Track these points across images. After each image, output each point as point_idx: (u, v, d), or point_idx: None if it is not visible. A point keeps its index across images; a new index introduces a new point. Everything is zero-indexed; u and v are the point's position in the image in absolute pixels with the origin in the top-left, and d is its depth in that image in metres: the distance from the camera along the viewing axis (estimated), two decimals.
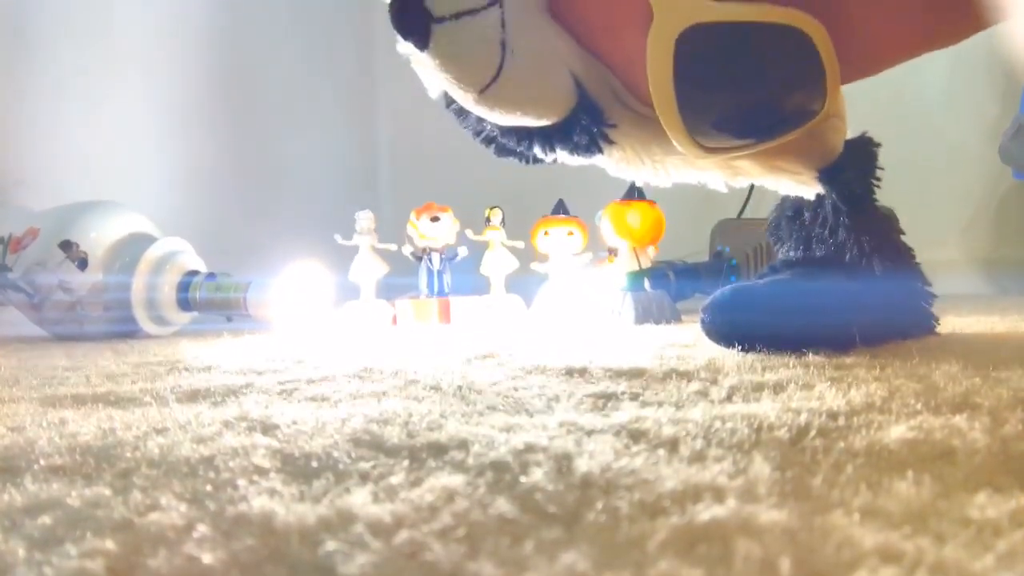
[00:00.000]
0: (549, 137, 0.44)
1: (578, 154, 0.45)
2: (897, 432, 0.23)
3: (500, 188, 1.09)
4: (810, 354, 0.42)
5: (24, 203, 1.05)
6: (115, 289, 0.89)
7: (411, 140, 1.71)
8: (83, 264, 0.89)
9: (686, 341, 0.55)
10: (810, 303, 0.46)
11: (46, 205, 0.97)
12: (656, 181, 0.47)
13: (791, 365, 0.39)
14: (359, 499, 0.19)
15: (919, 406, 0.27)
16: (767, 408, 0.28)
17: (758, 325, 0.46)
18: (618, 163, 0.46)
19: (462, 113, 0.45)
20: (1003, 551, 0.14)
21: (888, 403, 0.28)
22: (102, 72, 1.36)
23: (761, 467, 0.20)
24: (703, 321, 0.47)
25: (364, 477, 0.21)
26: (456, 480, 0.20)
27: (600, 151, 0.45)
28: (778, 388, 0.32)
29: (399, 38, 0.40)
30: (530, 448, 0.23)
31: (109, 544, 0.16)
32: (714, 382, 0.34)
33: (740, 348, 0.46)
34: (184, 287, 0.93)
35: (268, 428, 0.28)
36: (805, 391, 0.31)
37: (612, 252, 0.91)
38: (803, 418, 0.26)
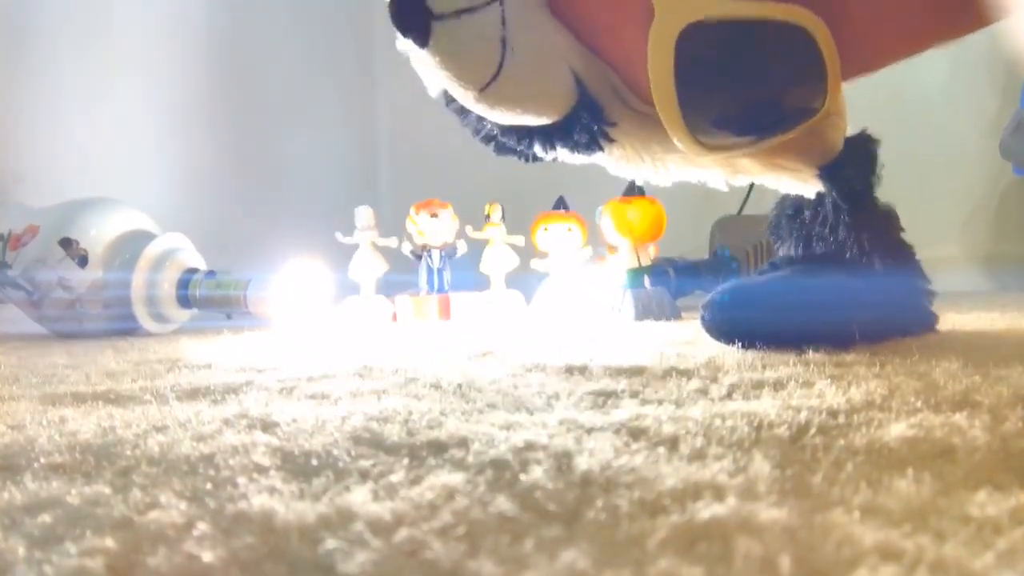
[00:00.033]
0: (549, 135, 0.44)
1: (578, 152, 0.45)
2: (897, 430, 0.23)
3: (500, 185, 1.09)
4: (810, 351, 0.42)
5: (24, 200, 1.05)
6: (115, 286, 0.89)
7: (411, 138, 1.71)
8: (83, 261, 0.89)
9: (686, 338, 0.55)
10: (810, 300, 0.46)
11: (46, 202, 0.97)
12: (656, 179, 0.47)
13: (791, 363, 0.39)
14: (359, 497, 0.19)
15: (919, 404, 0.27)
16: (767, 406, 0.28)
17: (758, 322, 0.46)
18: (618, 161, 0.46)
19: (462, 111, 0.45)
20: (1003, 549, 0.14)
21: (888, 401, 0.28)
22: (102, 70, 1.36)
23: (761, 465, 0.20)
24: (703, 318, 0.47)
25: (364, 475, 0.21)
26: (456, 478, 0.20)
27: (600, 149, 0.45)
28: (778, 386, 0.32)
29: (398, 35, 0.40)
30: (530, 446, 0.23)
31: (109, 542, 0.16)
32: (714, 380, 0.34)
33: (740, 345, 0.46)
34: (184, 284, 0.93)
35: (268, 426, 0.28)
36: (805, 389, 0.31)
37: (611, 248, 0.91)
38: (803, 416, 0.26)
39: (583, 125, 0.43)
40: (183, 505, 0.19)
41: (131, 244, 0.92)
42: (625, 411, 0.28)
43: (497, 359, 0.46)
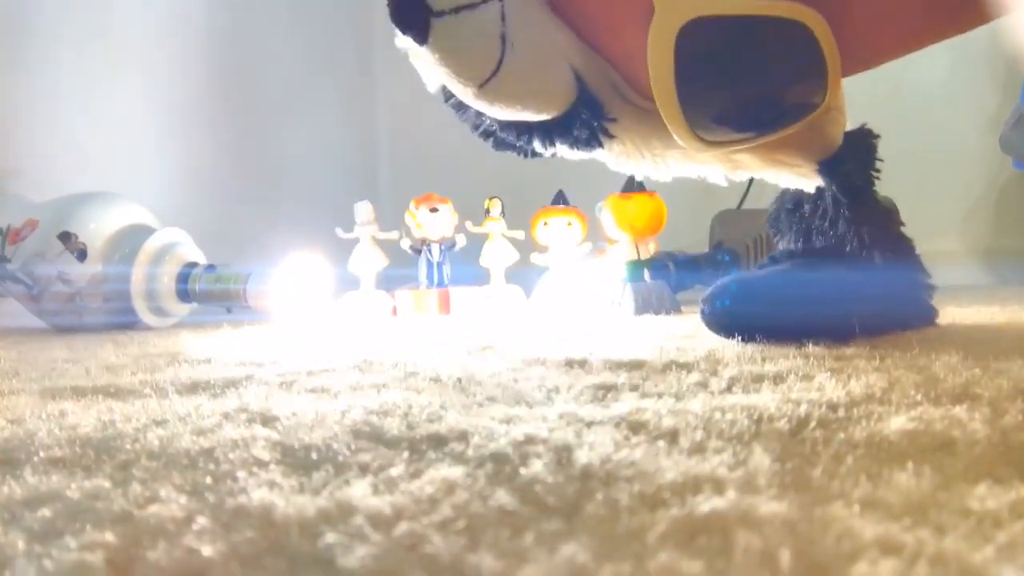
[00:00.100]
0: (549, 131, 0.44)
1: (578, 148, 0.45)
2: (897, 423, 0.23)
3: (499, 180, 1.09)
4: (810, 345, 0.42)
5: (23, 194, 1.05)
6: (114, 280, 0.89)
7: (410, 135, 1.71)
8: (82, 255, 0.89)
9: (686, 332, 0.55)
10: (810, 294, 0.46)
11: (45, 196, 0.97)
12: (656, 175, 0.47)
13: (791, 356, 0.39)
14: (359, 491, 0.18)
15: (919, 397, 0.27)
16: (767, 399, 0.28)
17: (758, 316, 0.46)
18: (618, 157, 0.46)
19: (460, 107, 0.45)
20: (1003, 542, 0.14)
21: (888, 394, 0.28)
22: (102, 65, 1.36)
23: (761, 458, 0.20)
24: (703, 312, 0.47)
25: (364, 469, 0.21)
26: (456, 472, 0.20)
27: (600, 145, 0.45)
28: (778, 379, 0.32)
29: (397, 33, 0.40)
30: (530, 439, 0.23)
31: (109, 536, 0.16)
32: (714, 373, 0.34)
33: (740, 339, 0.46)
34: (183, 278, 0.93)
35: (268, 420, 0.28)
36: (805, 382, 0.31)
37: (610, 241, 0.91)
38: (803, 409, 0.26)
39: (583, 121, 0.43)
40: (183, 499, 0.19)
41: (130, 238, 0.92)
42: (625, 405, 0.28)
43: (497, 353, 0.46)
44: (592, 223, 0.96)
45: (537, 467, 0.20)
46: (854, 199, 0.50)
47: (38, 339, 0.79)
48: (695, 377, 0.33)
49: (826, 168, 0.47)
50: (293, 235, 1.01)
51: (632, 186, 0.85)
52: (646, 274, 0.85)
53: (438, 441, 0.23)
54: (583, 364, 0.39)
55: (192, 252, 0.96)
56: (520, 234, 1.01)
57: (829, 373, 0.33)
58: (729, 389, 0.31)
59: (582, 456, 0.21)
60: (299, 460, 0.22)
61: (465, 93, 0.41)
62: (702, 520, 0.16)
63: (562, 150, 0.46)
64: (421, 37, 0.39)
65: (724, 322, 0.47)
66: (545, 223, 0.97)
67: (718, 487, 0.18)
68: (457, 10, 0.39)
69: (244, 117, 1.55)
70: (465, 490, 0.18)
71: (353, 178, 1.74)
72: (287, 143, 1.63)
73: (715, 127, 0.41)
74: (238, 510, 0.18)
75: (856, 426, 0.23)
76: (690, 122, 0.40)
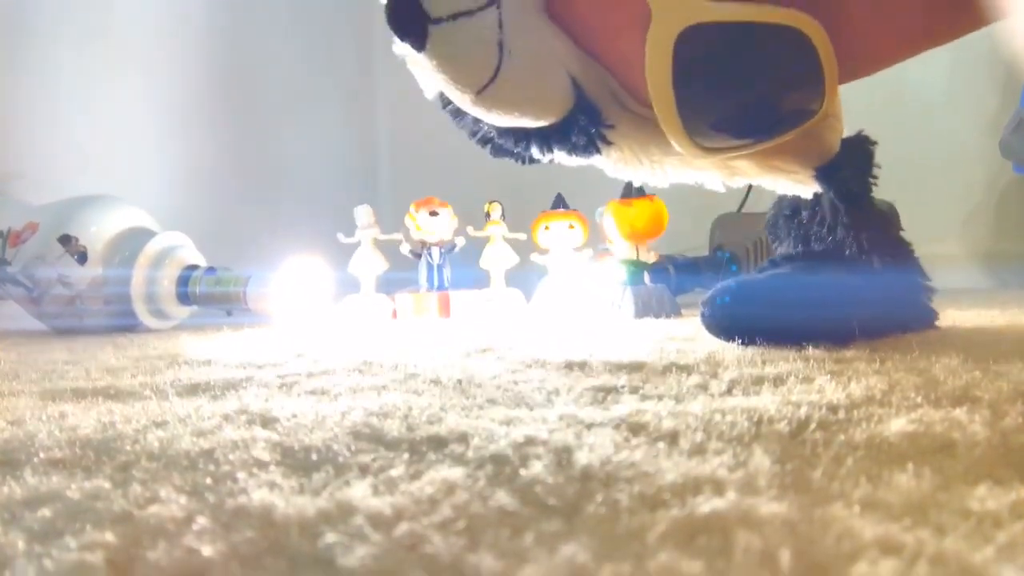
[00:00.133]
0: (547, 138, 0.44)
1: (576, 155, 0.45)
2: (897, 425, 0.23)
3: (499, 184, 1.09)
4: (810, 348, 0.42)
5: (23, 197, 1.05)
6: (115, 283, 0.89)
7: (411, 137, 1.71)
8: (82, 258, 0.89)
9: (686, 335, 0.55)
10: (810, 297, 0.46)
11: (45, 199, 0.97)
12: (654, 181, 0.47)
13: (791, 359, 0.39)
14: (359, 492, 0.18)
15: (919, 399, 0.27)
16: (767, 401, 0.28)
17: (758, 319, 0.46)
18: (616, 164, 0.46)
19: (457, 113, 0.45)
20: (1003, 543, 0.14)
21: (888, 396, 0.28)
22: (102, 67, 1.36)
23: (761, 460, 0.20)
24: (703, 315, 0.47)
25: (364, 470, 0.21)
26: (456, 473, 0.20)
27: (598, 152, 0.45)
28: (778, 381, 0.32)
29: (395, 39, 0.40)
30: (530, 441, 0.23)
31: (109, 536, 0.16)
32: (714, 375, 0.34)
33: (740, 342, 0.46)
34: (184, 281, 0.93)
35: (268, 421, 0.28)
36: (805, 384, 0.31)
37: (610, 241, 0.91)
38: (803, 411, 0.26)
39: (580, 128, 0.43)
40: (183, 500, 0.19)
41: (131, 241, 0.92)
42: (625, 406, 0.28)
43: (497, 355, 0.46)
44: (592, 228, 0.96)
45: (537, 468, 0.20)
46: (851, 205, 0.50)
47: (38, 341, 0.79)
48: (695, 379, 0.33)
49: (823, 175, 0.47)
50: (293, 238, 1.01)
51: (631, 191, 0.86)
52: (646, 277, 0.85)
53: (438, 442, 0.23)
54: (583, 366, 0.39)
55: (192, 255, 0.96)
56: (522, 236, 1.01)
57: (829, 375, 0.33)
58: (729, 391, 0.31)
59: (582, 457, 0.21)
60: (299, 461, 0.22)
61: (462, 100, 0.41)
62: (702, 521, 0.16)
63: (560, 156, 0.46)
64: (419, 44, 0.39)
65: (724, 325, 0.47)
66: (546, 228, 0.97)
67: (718, 488, 0.18)
68: (455, 17, 0.39)
69: (244, 119, 1.55)
70: (465, 491, 0.18)
71: (353, 181, 1.74)
72: (287, 145, 1.63)
73: (713, 133, 0.41)
74: (238, 510, 0.18)
75: (856, 428, 0.23)
76: (688, 129, 0.40)
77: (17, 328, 0.99)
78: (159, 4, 1.45)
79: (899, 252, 0.52)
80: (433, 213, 0.96)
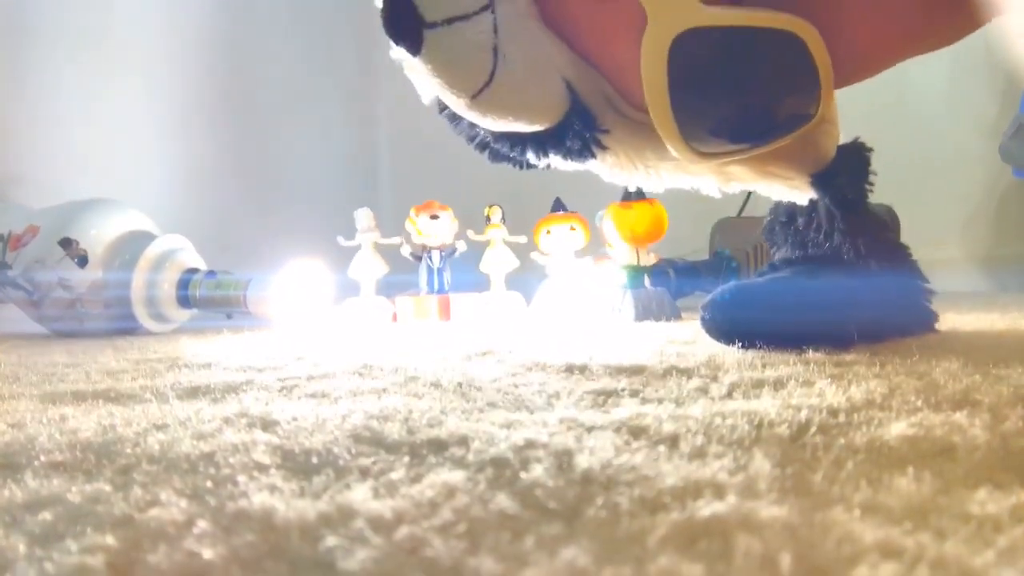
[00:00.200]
0: (542, 142, 0.44)
1: (571, 159, 0.45)
2: (897, 429, 0.23)
3: (500, 187, 1.09)
4: (810, 351, 0.42)
5: (24, 201, 1.05)
6: (115, 286, 0.90)
7: (411, 138, 1.71)
8: (83, 261, 0.89)
9: (686, 338, 0.55)
10: (810, 300, 0.46)
11: (46, 203, 0.97)
12: (649, 186, 0.47)
13: (791, 362, 0.39)
14: (359, 495, 0.19)
15: (919, 403, 0.27)
16: (767, 405, 0.28)
17: (758, 322, 0.46)
18: (611, 168, 0.46)
19: (454, 118, 0.45)
20: (1003, 547, 0.14)
21: (888, 400, 0.28)
22: (102, 69, 1.36)
23: (761, 463, 0.20)
24: (703, 318, 0.47)
25: (364, 473, 0.21)
26: (456, 476, 0.20)
27: (593, 156, 0.45)
28: (778, 385, 0.32)
29: (392, 44, 0.40)
30: (530, 444, 0.23)
31: (109, 540, 0.16)
32: (714, 379, 0.34)
33: (740, 345, 0.46)
34: (184, 284, 0.93)
35: (268, 424, 0.28)
36: (805, 388, 0.31)
37: (610, 245, 0.91)
38: (803, 415, 0.26)
39: (575, 132, 0.43)
40: (183, 503, 0.19)
41: (131, 244, 0.92)
42: (625, 410, 0.28)
43: (497, 358, 0.46)
44: (593, 231, 0.97)
45: (537, 471, 0.20)
46: (847, 212, 0.50)
47: (39, 344, 0.79)
48: (695, 383, 0.33)
49: (819, 181, 0.47)
50: (293, 240, 1.01)
51: (631, 195, 0.86)
52: (647, 281, 0.85)
53: (439, 446, 0.23)
54: (583, 370, 0.39)
55: (192, 258, 0.96)
56: (522, 239, 1.01)
57: (829, 379, 0.33)
58: (729, 395, 0.31)
59: (582, 461, 0.21)
60: (299, 464, 0.22)
61: (458, 104, 0.41)
62: (702, 524, 0.16)
63: (556, 161, 0.46)
64: (414, 48, 0.39)
65: (724, 328, 0.47)
66: (548, 232, 0.97)
67: (718, 492, 0.18)
68: (450, 21, 0.39)
69: (244, 122, 1.56)
70: (466, 494, 0.18)
71: (353, 183, 1.74)
72: (287, 148, 1.63)
73: (709, 138, 0.41)
74: (239, 514, 0.18)
75: (856, 432, 0.23)
76: (684, 133, 0.40)
77: (17, 331, 0.99)
78: (159, 6, 1.45)
79: (897, 256, 0.52)
80: (434, 217, 0.97)
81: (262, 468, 0.22)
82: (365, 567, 0.14)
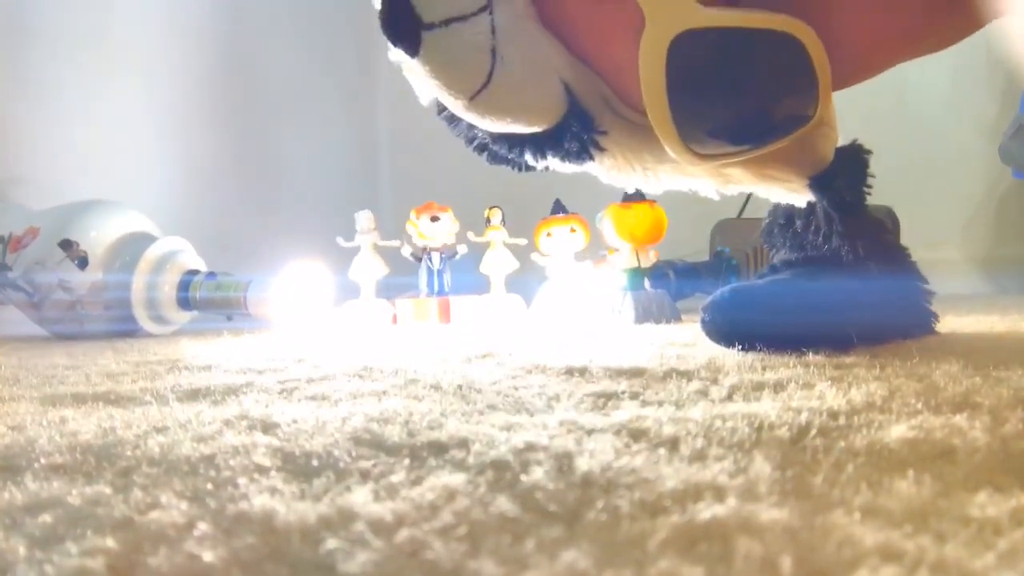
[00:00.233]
0: (540, 144, 0.44)
1: (569, 161, 0.45)
2: (898, 431, 0.23)
3: (500, 188, 1.09)
4: (810, 353, 0.42)
5: (24, 202, 1.05)
6: (115, 288, 0.90)
7: (411, 139, 1.71)
8: (83, 263, 0.89)
9: (686, 340, 0.55)
10: (810, 302, 0.46)
11: (46, 204, 0.98)
12: (648, 188, 0.47)
13: (791, 364, 0.39)
14: (360, 497, 0.19)
15: (919, 405, 0.27)
16: (767, 407, 0.28)
17: (758, 324, 0.46)
18: (609, 170, 0.46)
19: (452, 120, 0.45)
20: (1004, 550, 0.14)
21: (888, 402, 0.28)
22: (102, 71, 1.36)
23: (762, 466, 0.20)
24: (703, 320, 0.47)
25: (365, 475, 0.21)
26: (457, 479, 0.20)
27: (591, 158, 0.45)
28: (778, 387, 0.32)
29: (391, 45, 0.40)
30: (531, 447, 0.23)
31: (110, 542, 0.16)
32: (714, 381, 0.34)
33: (740, 347, 0.46)
34: (184, 286, 0.93)
35: (268, 427, 0.28)
36: (805, 390, 0.31)
37: (611, 249, 0.91)
38: (804, 417, 0.26)
39: (573, 134, 0.43)
40: (184, 505, 0.19)
41: (131, 246, 0.92)
42: (625, 412, 0.28)
43: (497, 361, 0.46)
44: (593, 232, 0.96)
45: (538, 474, 0.20)
46: (846, 214, 0.50)
47: (39, 346, 0.79)
48: (695, 385, 0.33)
49: (817, 184, 0.47)
50: (293, 242, 1.01)
51: (630, 196, 0.86)
52: (646, 283, 0.85)
53: (439, 448, 0.23)
54: (583, 372, 0.39)
55: (193, 260, 0.96)
56: (523, 241, 1.01)
57: (829, 381, 0.33)
58: (730, 397, 0.31)
59: (583, 463, 0.21)
60: (300, 467, 0.22)
61: (456, 106, 0.41)
62: (703, 527, 0.16)
63: (554, 163, 0.46)
64: (412, 50, 0.39)
65: (724, 331, 0.47)
66: (548, 234, 0.97)
67: (719, 494, 0.18)
68: (447, 23, 0.39)
69: (244, 123, 1.56)
70: (466, 497, 0.18)
71: (353, 184, 1.74)
72: (288, 149, 1.63)
73: (707, 140, 0.41)
74: (239, 516, 0.18)
75: (857, 434, 0.23)
76: (682, 135, 0.40)
77: (17, 333, 0.99)
78: (159, 6, 1.45)
79: (895, 258, 0.52)
80: (434, 218, 0.97)
81: (262, 470, 0.22)
82: (365, 570, 0.14)
